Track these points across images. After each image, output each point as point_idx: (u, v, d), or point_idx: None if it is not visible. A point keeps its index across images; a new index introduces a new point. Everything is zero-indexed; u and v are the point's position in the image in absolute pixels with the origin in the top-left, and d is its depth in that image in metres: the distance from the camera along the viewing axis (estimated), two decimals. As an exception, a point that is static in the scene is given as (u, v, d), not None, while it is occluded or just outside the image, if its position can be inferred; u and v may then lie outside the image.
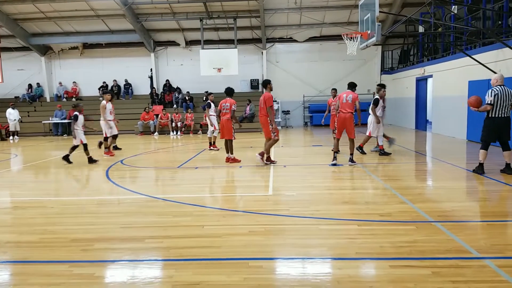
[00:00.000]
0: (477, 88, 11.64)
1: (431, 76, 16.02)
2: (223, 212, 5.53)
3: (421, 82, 17.24)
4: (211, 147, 12.10)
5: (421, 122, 17.42)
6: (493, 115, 7.09)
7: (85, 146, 9.83)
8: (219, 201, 6.38)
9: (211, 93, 12.71)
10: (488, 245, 3.92)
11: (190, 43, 21.84)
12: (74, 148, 9.95)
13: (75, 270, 3.64)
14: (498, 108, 7.02)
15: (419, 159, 9.38)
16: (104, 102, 11.23)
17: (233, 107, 9.36)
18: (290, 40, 21.71)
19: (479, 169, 7.33)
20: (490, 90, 7.11)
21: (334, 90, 11.42)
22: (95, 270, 3.63)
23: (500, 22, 11.95)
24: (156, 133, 18.70)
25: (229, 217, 5.25)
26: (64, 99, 21.83)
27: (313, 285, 3.23)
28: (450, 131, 14.18)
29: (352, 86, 9.04)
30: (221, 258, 3.83)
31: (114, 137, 11.64)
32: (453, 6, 10.50)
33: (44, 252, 4.13)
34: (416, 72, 17.28)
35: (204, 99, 19.99)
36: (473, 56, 11.67)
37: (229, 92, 9.68)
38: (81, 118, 9.84)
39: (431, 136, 15.05)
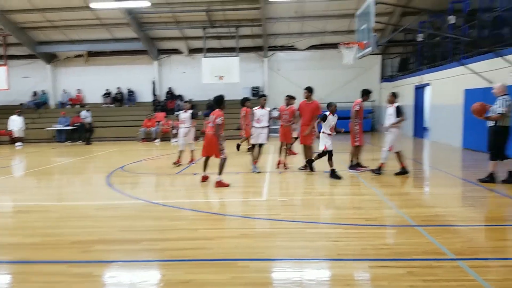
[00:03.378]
0: (473, 96, 11.84)
1: (428, 84, 16.24)
2: (217, 216, 5.80)
3: (419, 90, 17.47)
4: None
5: (419, 129, 17.63)
6: (505, 124, 7.23)
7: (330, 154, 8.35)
8: (214, 206, 6.62)
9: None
10: (464, 248, 4.14)
11: (192, 51, 22.21)
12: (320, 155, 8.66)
13: (74, 270, 3.89)
14: (510, 117, 7.23)
15: (415, 167, 9.57)
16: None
17: (217, 120, 7.34)
18: (291, 48, 21.99)
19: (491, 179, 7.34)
20: (502, 100, 7.14)
21: (288, 97, 10.24)
22: (93, 270, 3.88)
23: (495, 32, 12.17)
24: (158, 139, 18.98)
25: (223, 221, 5.50)
26: (68, 106, 22.23)
27: (295, 283, 3.47)
28: (446, 139, 14.36)
29: (361, 93, 9.15)
30: (212, 259, 4.08)
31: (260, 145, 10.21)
32: (450, 16, 10.75)
33: (45, 253, 4.39)
34: (415, 80, 17.51)
35: (206, 107, 20.34)
36: (468, 66, 11.90)
37: (217, 101, 7.67)
38: (331, 118, 8.23)
39: (428, 143, 15.23)
